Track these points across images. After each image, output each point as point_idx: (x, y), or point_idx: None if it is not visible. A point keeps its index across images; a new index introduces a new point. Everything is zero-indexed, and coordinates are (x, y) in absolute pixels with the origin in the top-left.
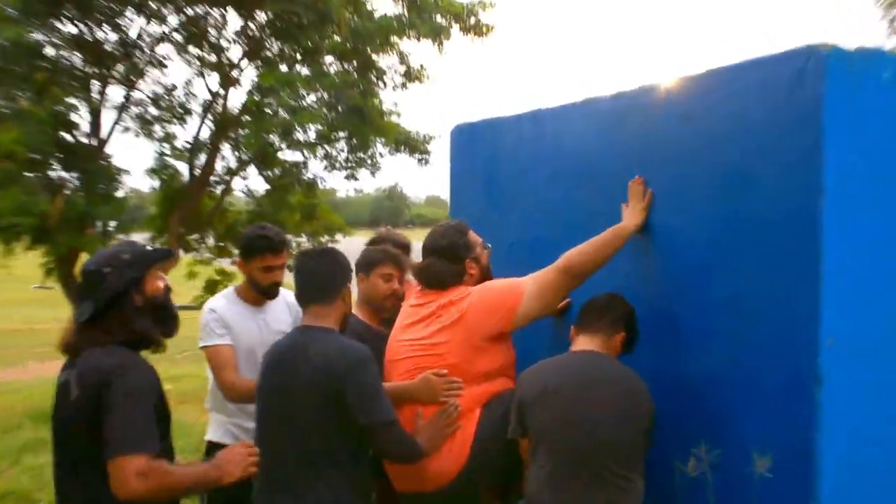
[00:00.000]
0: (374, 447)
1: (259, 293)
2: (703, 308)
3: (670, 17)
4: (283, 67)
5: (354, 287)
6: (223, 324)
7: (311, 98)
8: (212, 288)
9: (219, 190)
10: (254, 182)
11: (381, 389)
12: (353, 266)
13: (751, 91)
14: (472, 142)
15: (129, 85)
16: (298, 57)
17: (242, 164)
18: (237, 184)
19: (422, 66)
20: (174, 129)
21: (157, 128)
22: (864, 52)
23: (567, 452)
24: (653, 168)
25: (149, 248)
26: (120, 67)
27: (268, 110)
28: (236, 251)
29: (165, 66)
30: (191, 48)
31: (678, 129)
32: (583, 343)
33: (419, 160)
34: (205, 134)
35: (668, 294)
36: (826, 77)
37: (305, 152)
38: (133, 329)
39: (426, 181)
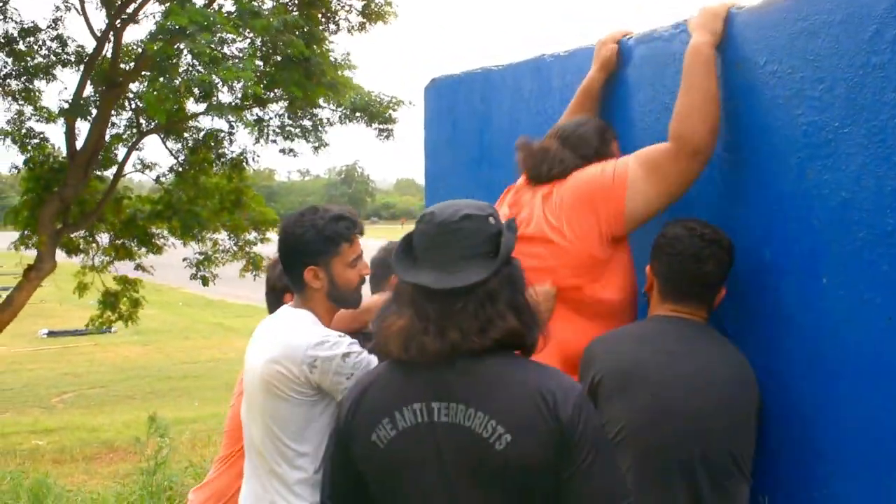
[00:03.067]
0: None
1: (350, 301)
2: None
3: None
4: (199, 1)
5: None
6: None
7: (237, 45)
8: (112, 303)
9: (110, 172)
10: (156, 157)
11: None
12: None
13: (833, 25)
14: (453, 100)
15: None
16: None
17: (141, 134)
18: (136, 161)
19: None
20: (40, 84)
21: (12, 82)
22: None
23: (656, 453)
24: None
25: None
26: None
27: (178, 61)
28: (142, 249)
29: None
30: None
31: (725, 78)
32: (670, 305)
33: (380, 132)
34: (90, 92)
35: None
36: None
37: (230, 118)
38: None
39: (396, 161)
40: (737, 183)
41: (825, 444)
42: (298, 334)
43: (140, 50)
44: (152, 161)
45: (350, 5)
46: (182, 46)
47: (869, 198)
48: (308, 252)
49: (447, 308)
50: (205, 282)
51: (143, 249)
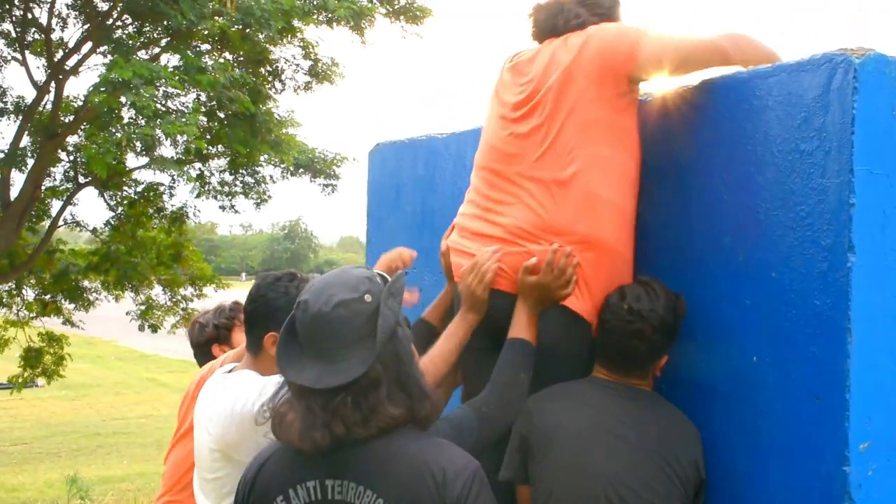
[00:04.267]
0: None
1: None
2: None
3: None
4: (143, 55)
5: None
6: None
7: (181, 99)
8: (34, 360)
9: (44, 224)
10: (91, 210)
11: None
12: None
13: (768, 108)
14: (397, 166)
15: None
16: (164, 42)
17: (78, 187)
18: (67, 215)
19: (333, 60)
20: None
21: None
22: None
23: None
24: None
25: None
26: None
27: (120, 113)
28: (71, 305)
29: None
30: None
31: (667, 149)
32: (605, 371)
33: (325, 187)
34: (27, 143)
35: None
36: (858, 93)
37: (172, 172)
38: None
39: (339, 218)
40: (674, 261)
41: None
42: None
43: (80, 102)
44: (84, 218)
45: (297, 65)
46: (125, 100)
47: (797, 279)
48: (275, 319)
49: (330, 402)
50: (154, 328)
51: (73, 306)
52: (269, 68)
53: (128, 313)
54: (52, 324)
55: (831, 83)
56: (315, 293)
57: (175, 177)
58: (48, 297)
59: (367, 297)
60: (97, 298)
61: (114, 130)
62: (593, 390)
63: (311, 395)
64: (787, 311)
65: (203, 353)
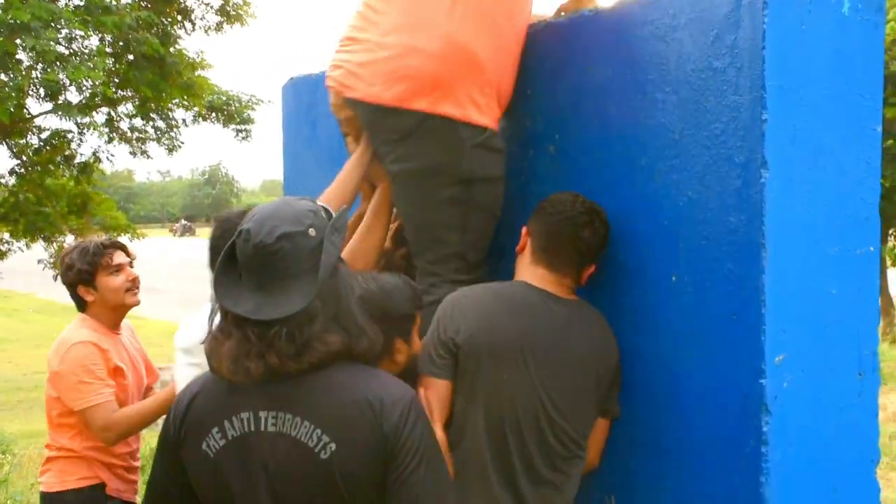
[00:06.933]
0: None
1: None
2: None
3: None
4: None
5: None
6: None
7: (88, 41)
8: None
9: None
10: None
11: None
12: None
13: (680, 27)
14: (312, 99)
15: None
16: None
17: None
18: None
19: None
20: None
21: None
22: None
23: (508, 423)
24: (538, 131)
25: None
26: None
27: (21, 57)
28: None
29: None
30: None
31: (578, 79)
32: (542, 270)
33: (238, 132)
34: None
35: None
36: (768, 8)
37: (78, 119)
38: None
39: (261, 162)
40: (593, 184)
41: (670, 443)
42: None
43: None
44: None
45: (207, 4)
46: (24, 42)
47: (713, 197)
48: None
49: (266, 331)
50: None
51: None
52: (178, 8)
53: (40, 261)
54: None
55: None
56: (258, 223)
57: (81, 124)
58: None
59: (311, 232)
60: (9, 249)
61: (14, 75)
62: (528, 299)
63: (247, 324)
64: (704, 230)
65: (73, 292)
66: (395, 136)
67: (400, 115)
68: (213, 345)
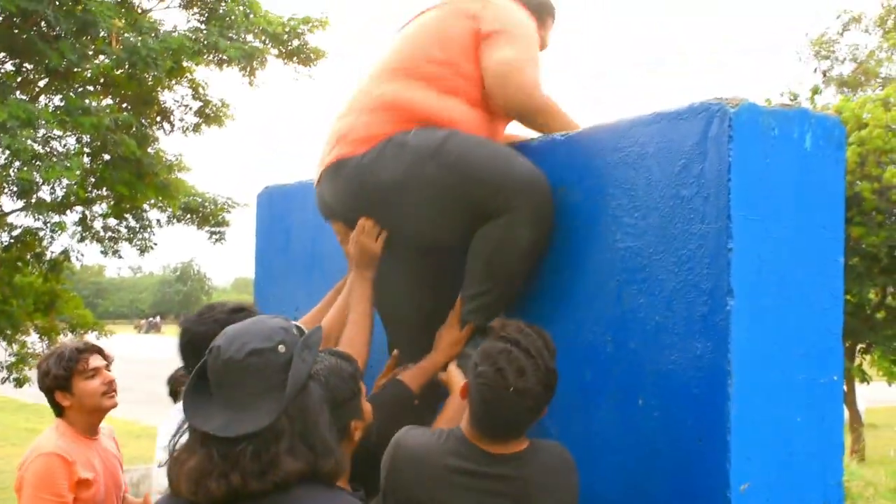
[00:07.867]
0: None
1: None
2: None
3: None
4: (21, 95)
5: None
6: None
7: (65, 141)
8: None
9: None
10: None
11: None
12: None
13: (649, 155)
14: (286, 209)
15: None
16: (44, 83)
17: None
18: None
19: (223, 101)
20: None
21: None
22: (780, 112)
23: None
24: None
25: None
26: None
27: None
28: None
29: None
30: None
31: (554, 193)
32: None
33: (211, 234)
34: None
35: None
36: (734, 141)
37: (47, 218)
38: None
39: (233, 260)
40: (560, 304)
41: None
42: None
43: None
44: None
45: (187, 106)
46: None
47: (680, 322)
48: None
49: (231, 449)
50: (19, 383)
51: None
52: (157, 109)
53: None
54: None
55: (708, 131)
56: (228, 339)
57: (52, 224)
58: None
59: (281, 348)
60: None
61: None
62: (461, 476)
63: (213, 443)
64: (671, 355)
65: (50, 399)
66: None
67: None
68: (174, 465)
